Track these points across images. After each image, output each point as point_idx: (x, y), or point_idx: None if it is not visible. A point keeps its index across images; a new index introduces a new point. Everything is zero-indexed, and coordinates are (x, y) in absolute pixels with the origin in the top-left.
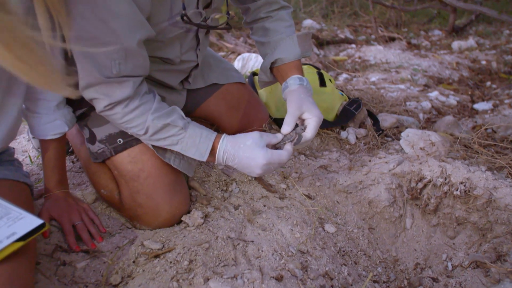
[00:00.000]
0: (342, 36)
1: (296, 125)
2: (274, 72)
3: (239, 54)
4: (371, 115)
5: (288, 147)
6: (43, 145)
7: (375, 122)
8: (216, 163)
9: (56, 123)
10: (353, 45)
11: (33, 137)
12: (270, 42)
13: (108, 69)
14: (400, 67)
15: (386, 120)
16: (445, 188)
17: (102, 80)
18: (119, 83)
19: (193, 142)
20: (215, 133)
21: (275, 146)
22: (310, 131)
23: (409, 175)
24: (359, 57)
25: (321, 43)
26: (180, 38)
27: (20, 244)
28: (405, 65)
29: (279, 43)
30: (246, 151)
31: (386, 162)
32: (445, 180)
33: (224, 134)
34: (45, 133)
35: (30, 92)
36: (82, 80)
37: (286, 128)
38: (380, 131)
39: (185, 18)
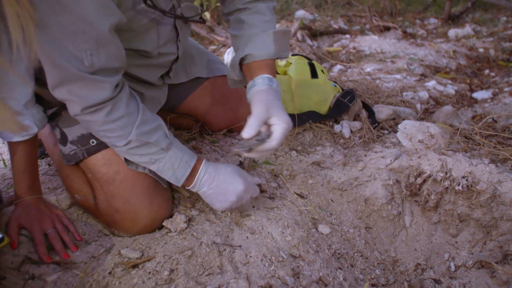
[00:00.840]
0: (335, 26)
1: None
2: (244, 70)
3: (230, 47)
4: (366, 107)
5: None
6: (11, 148)
7: (371, 114)
8: (191, 186)
9: (23, 123)
10: (347, 36)
11: None
12: (243, 35)
13: (79, 61)
14: (396, 56)
15: (382, 111)
16: (446, 183)
17: (74, 74)
18: (93, 82)
19: (171, 165)
20: (195, 157)
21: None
22: (276, 139)
23: (407, 170)
24: (354, 48)
25: (314, 34)
26: (154, 27)
27: None
28: (401, 55)
29: (253, 37)
30: (227, 175)
31: (382, 157)
32: (446, 174)
33: (204, 159)
34: (11, 134)
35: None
36: (51, 78)
37: (249, 131)
38: (376, 124)
39: (148, 1)
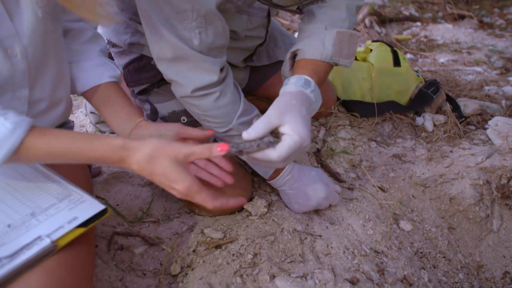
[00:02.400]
0: (406, 13)
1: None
2: (294, 67)
3: (295, 31)
4: (450, 99)
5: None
6: (102, 97)
7: (455, 107)
8: (272, 181)
9: (108, 66)
10: (418, 23)
11: (91, 112)
12: (306, 29)
13: (189, 40)
14: (473, 47)
15: (468, 105)
16: None
17: (185, 51)
18: (202, 63)
19: None
20: None
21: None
22: (279, 150)
23: (499, 171)
24: (425, 36)
25: (383, 21)
26: (247, 12)
27: (82, 230)
28: (478, 46)
29: (313, 32)
30: (310, 179)
31: (472, 154)
32: None
33: None
34: (100, 75)
35: (72, 42)
36: (158, 50)
37: (250, 132)
38: (463, 118)
39: None
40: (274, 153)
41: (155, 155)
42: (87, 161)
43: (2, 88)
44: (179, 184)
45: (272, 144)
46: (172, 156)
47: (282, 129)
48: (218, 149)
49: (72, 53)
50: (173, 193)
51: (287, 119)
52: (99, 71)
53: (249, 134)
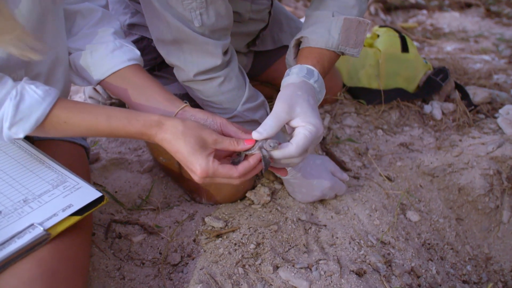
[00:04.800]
0: (412, 0)
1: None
2: (298, 56)
3: (299, 18)
4: (459, 87)
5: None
6: (125, 84)
7: (464, 96)
8: None
9: (125, 48)
10: (424, 11)
11: (90, 97)
12: (312, 16)
13: (190, 22)
14: (480, 36)
15: (477, 94)
16: None
17: (187, 34)
18: (204, 45)
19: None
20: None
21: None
22: (296, 143)
23: (511, 160)
24: (431, 25)
25: (388, 8)
26: None
27: (77, 218)
28: (486, 34)
29: (319, 19)
30: (314, 169)
31: (482, 143)
32: None
33: None
34: (118, 60)
35: (81, 27)
36: (159, 32)
37: (261, 131)
38: (472, 107)
39: None
40: (292, 147)
41: (186, 133)
42: (120, 136)
43: None
44: (195, 166)
45: (273, 148)
46: (200, 138)
47: (293, 123)
48: (246, 144)
49: (83, 38)
50: (194, 178)
51: (297, 112)
52: (116, 55)
53: (259, 133)
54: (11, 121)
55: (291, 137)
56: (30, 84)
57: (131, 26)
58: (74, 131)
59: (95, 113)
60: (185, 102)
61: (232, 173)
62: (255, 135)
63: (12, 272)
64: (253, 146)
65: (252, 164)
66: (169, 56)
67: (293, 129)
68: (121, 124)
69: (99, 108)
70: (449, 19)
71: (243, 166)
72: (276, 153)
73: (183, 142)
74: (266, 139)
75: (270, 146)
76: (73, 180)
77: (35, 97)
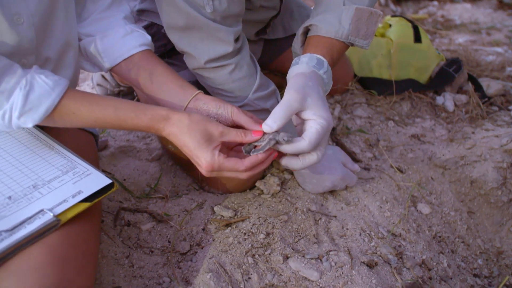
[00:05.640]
0: None
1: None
2: (305, 44)
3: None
4: (472, 79)
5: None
6: (136, 70)
7: (478, 87)
8: None
9: (136, 34)
10: (435, 2)
11: (98, 85)
12: (321, 3)
13: (202, 8)
14: (492, 28)
15: (491, 86)
16: None
17: (198, 20)
18: (215, 32)
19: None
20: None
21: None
22: (308, 138)
23: None
24: (442, 16)
25: None
26: None
27: (86, 205)
28: (498, 26)
29: (329, 7)
30: (325, 159)
31: (496, 136)
32: None
33: None
34: (129, 46)
35: (91, 12)
36: (170, 18)
37: (271, 123)
38: (486, 99)
39: None
40: (304, 142)
41: (192, 127)
42: (128, 129)
43: (9, 57)
44: (201, 160)
45: (290, 138)
46: (206, 131)
47: (304, 115)
48: (253, 135)
49: (93, 24)
50: (201, 170)
51: (308, 104)
52: (127, 41)
53: (268, 125)
54: (20, 111)
55: (299, 130)
56: (40, 74)
57: (141, 12)
58: (82, 122)
59: (103, 105)
60: (200, 90)
61: (238, 167)
62: (265, 127)
63: (22, 257)
64: (262, 137)
65: (260, 158)
66: (180, 42)
67: (301, 120)
68: (129, 117)
69: (108, 100)
70: (461, 11)
71: (250, 160)
72: (288, 148)
73: (189, 136)
74: (277, 132)
75: (284, 140)
76: (83, 166)
77: (44, 87)
